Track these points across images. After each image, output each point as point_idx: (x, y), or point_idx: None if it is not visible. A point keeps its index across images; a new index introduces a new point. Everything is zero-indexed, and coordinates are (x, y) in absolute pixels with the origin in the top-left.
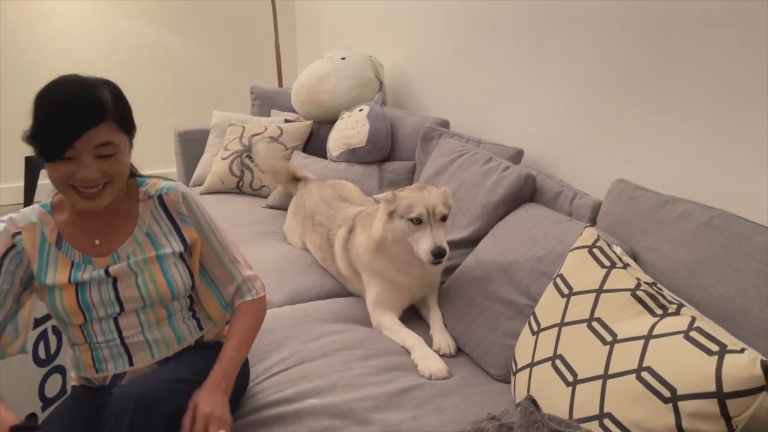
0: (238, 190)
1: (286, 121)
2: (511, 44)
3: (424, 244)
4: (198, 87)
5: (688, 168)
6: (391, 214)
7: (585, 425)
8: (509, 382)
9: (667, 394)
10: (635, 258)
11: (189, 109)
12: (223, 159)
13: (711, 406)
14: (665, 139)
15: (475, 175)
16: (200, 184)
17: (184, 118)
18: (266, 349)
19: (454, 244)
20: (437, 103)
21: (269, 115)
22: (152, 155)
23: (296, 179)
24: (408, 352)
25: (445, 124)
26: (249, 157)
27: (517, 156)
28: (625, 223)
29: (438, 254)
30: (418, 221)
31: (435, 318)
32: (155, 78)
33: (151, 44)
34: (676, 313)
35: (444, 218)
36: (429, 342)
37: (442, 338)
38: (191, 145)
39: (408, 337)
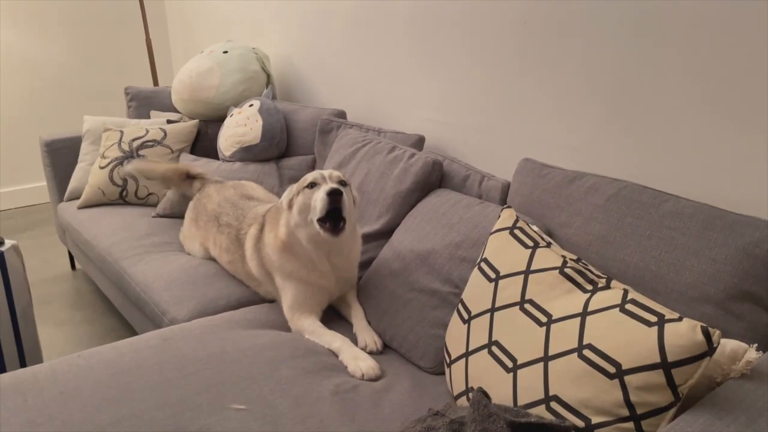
0: (122, 200)
1: (169, 121)
2: (403, 32)
3: (319, 193)
4: (64, 92)
5: (590, 143)
6: (290, 204)
7: (532, 410)
8: (442, 374)
9: (611, 369)
10: (550, 235)
11: (56, 116)
12: (102, 168)
13: (657, 377)
14: (565, 116)
15: (380, 164)
16: (77, 198)
17: (52, 126)
18: (174, 360)
19: (367, 237)
20: (330, 94)
21: (149, 117)
22: (18, 169)
23: (191, 177)
24: (335, 354)
25: (341, 114)
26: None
27: (419, 143)
28: (536, 201)
29: (333, 192)
30: (313, 185)
31: (357, 315)
32: (14, 84)
33: (8, 48)
34: (607, 287)
35: (342, 182)
36: (354, 341)
37: (367, 335)
38: (62, 156)
39: (333, 340)
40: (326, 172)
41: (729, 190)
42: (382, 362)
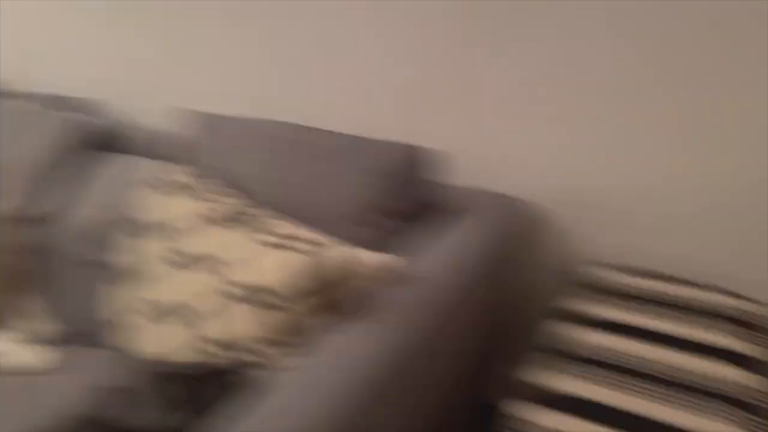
0: None
1: None
2: None
3: None
4: None
5: (249, 88)
6: None
7: (185, 358)
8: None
9: (253, 297)
10: (237, 187)
11: None
12: None
13: (293, 301)
14: (223, 63)
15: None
16: None
17: None
18: None
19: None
20: None
21: None
22: None
23: None
24: None
25: None
26: None
27: (60, 102)
28: (212, 154)
29: None
30: None
31: None
32: None
33: None
34: (248, 220)
35: None
36: None
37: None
38: None
39: None
40: None
41: (370, 122)
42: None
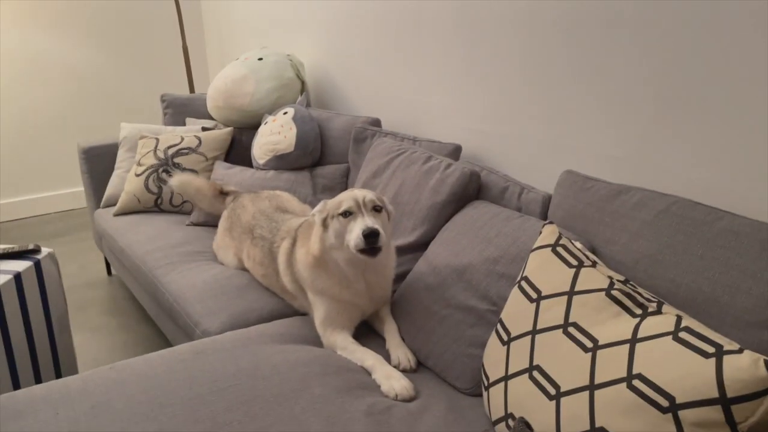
0: (157, 208)
1: (204, 129)
2: (438, 38)
3: (354, 230)
4: (102, 98)
5: (637, 154)
6: (325, 223)
7: None
8: (479, 395)
9: (665, 403)
10: (594, 251)
11: (93, 122)
12: (138, 175)
13: (715, 413)
14: (610, 125)
15: (415, 174)
16: (113, 204)
17: (89, 133)
18: (206, 374)
19: (401, 250)
20: (365, 102)
21: (184, 124)
22: (56, 175)
23: (223, 194)
24: (368, 372)
25: (376, 123)
26: (167, 171)
27: (455, 152)
28: (579, 216)
29: (370, 234)
30: (348, 214)
31: (390, 331)
32: (53, 91)
33: (46, 54)
34: (658, 311)
35: (377, 208)
36: (387, 357)
37: (401, 352)
38: (99, 162)
39: (366, 357)
40: (360, 196)
41: None
42: (416, 381)
